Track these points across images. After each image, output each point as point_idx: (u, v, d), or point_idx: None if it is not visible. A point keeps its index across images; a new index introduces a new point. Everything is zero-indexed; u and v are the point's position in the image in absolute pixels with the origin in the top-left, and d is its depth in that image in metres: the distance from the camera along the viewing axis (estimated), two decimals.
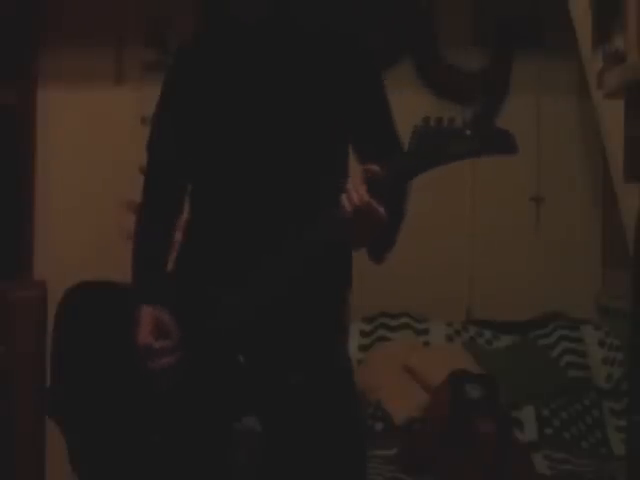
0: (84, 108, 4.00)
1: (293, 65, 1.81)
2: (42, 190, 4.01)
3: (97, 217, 3.92)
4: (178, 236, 1.94)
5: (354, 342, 3.68)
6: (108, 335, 1.89)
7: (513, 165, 4.02)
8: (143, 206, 1.97)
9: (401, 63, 4.01)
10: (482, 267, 4.02)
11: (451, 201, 4.05)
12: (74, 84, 3.99)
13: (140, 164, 1.99)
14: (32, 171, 4.01)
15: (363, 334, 3.80)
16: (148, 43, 3.87)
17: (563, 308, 3.91)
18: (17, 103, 3.94)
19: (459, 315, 3.96)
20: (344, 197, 1.63)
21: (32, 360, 3.49)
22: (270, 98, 1.80)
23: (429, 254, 4.01)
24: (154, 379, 1.80)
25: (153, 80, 1.97)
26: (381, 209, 1.62)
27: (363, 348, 3.75)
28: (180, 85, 1.90)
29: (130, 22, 3.93)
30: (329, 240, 1.69)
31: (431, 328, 3.85)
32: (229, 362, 1.77)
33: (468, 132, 1.60)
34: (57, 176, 4.00)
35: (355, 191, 1.62)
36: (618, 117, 2.76)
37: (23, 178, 3.97)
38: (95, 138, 3.98)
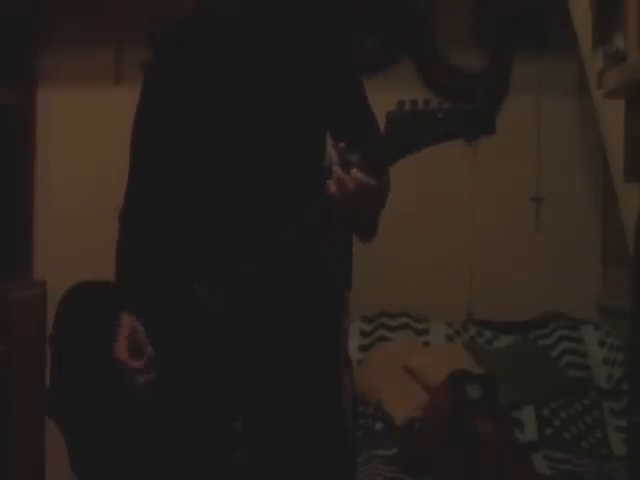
0: (84, 108, 4.00)
1: (268, 56, 1.79)
2: (42, 190, 4.01)
3: (97, 217, 3.90)
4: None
5: (354, 342, 3.68)
6: (108, 335, 1.89)
7: (513, 165, 4.03)
8: (126, 208, 1.93)
9: (401, 63, 4.01)
10: (482, 267, 4.02)
11: (451, 201, 4.05)
12: (74, 84, 3.99)
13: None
14: (32, 171, 4.01)
15: (363, 334, 3.80)
16: (148, 43, 3.87)
17: (563, 308, 3.91)
18: (17, 103, 3.94)
19: (459, 315, 3.96)
20: (333, 181, 1.58)
21: (32, 360, 3.49)
22: (247, 91, 1.78)
23: (429, 254, 4.01)
24: (130, 396, 1.78)
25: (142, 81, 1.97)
26: (373, 181, 1.57)
27: (363, 348, 3.75)
28: (157, 82, 1.89)
29: (130, 22, 3.93)
30: (318, 227, 1.65)
31: (431, 328, 3.85)
32: (215, 363, 1.77)
33: (440, 115, 1.53)
34: (57, 176, 4.00)
35: (344, 175, 1.57)
36: (618, 117, 2.76)
37: (23, 178, 3.97)
38: (95, 138, 3.98)
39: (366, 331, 3.81)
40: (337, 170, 1.59)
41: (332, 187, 1.59)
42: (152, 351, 1.76)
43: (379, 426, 3.36)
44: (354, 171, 1.57)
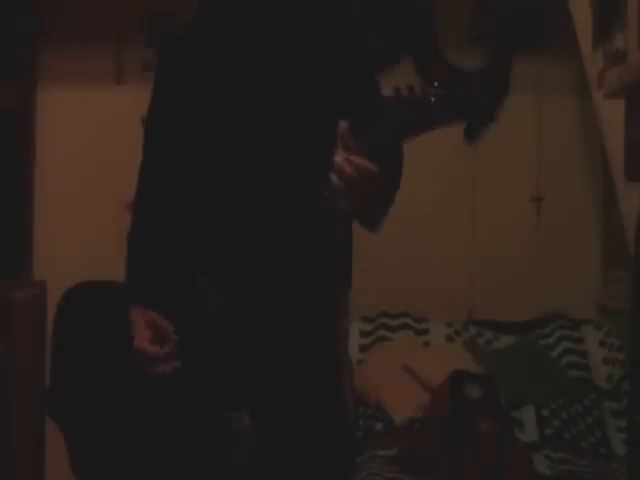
0: (84, 108, 4.00)
1: (277, 48, 1.79)
2: (42, 190, 4.02)
3: (97, 217, 3.92)
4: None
5: (354, 342, 3.68)
6: (108, 335, 1.89)
7: (513, 165, 4.03)
8: (138, 200, 1.94)
9: (401, 63, 4.01)
10: (482, 267, 4.02)
11: (451, 201, 4.05)
12: (74, 84, 3.99)
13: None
14: (32, 171, 4.01)
15: (363, 334, 3.80)
16: (148, 43, 3.87)
17: (563, 308, 3.91)
18: (17, 103, 3.94)
19: (459, 315, 3.96)
20: (335, 172, 1.56)
21: (32, 360, 3.49)
22: (255, 83, 1.78)
23: (429, 254, 4.01)
24: (150, 384, 1.78)
25: (153, 80, 1.97)
26: (373, 167, 1.55)
27: (363, 348, 3.75)
28: (169, 76, 1.89)
29: (130, 21, 3.93)
30: (320, 221, 1.63)
31: (431, 328, 3.85)
32: (217, 357, 1.77)
33: (437, 99, 1.52)
34: (57, 176, 4.00)
35: (346, 161, 1.55)
36: (618, 117, 2.76)
37: (23, 178, 3.97)
38: (95, 138, 3.98)
39: (366, 331, 3.82)
40: (337, 160, 1.57)
41: (333, 178, 1.57)
42: (176, 338, 1.76)
43: (379, 426, 3.37)
44: (354, 157, 1.55)
